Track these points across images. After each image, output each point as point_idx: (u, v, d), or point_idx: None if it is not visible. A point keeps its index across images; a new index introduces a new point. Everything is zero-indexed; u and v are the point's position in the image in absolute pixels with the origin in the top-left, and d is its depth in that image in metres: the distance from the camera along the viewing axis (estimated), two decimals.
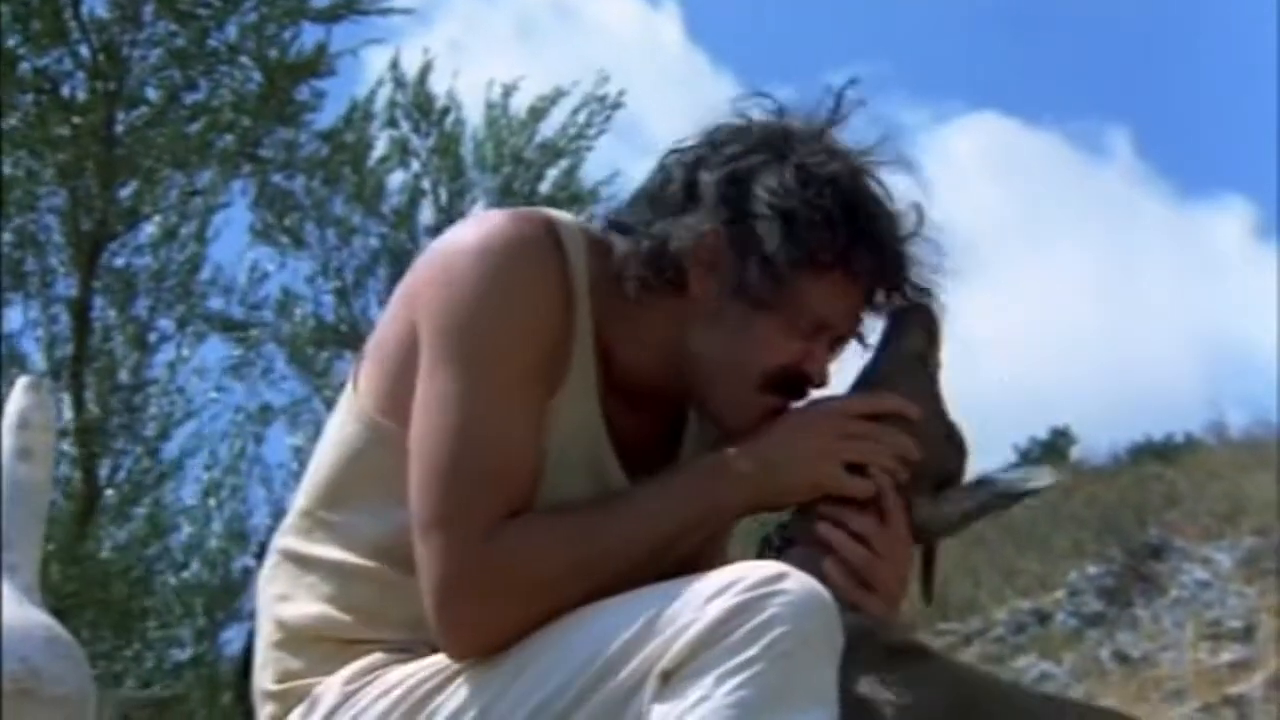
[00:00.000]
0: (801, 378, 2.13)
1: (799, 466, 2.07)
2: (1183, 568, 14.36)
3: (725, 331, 2.11)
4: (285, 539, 2.21)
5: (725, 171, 2.10)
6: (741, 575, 1.89)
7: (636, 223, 2.14)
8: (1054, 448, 23.08)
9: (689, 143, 2.16)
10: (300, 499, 2.22)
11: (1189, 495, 16.26)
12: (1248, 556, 14.13)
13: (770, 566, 1.90)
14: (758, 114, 2.16)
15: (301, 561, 2.17)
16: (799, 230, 2.06)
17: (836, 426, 2.08)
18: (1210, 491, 16.02)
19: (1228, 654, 12.58)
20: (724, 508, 2.07)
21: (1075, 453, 22.58)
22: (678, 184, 2.12)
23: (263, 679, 2.20)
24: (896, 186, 2.14)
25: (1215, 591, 13.78)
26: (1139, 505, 16.00)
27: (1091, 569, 14.96)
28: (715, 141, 2.14)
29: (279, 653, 2.18)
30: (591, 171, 12.38)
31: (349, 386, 2.19)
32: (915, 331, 2.14)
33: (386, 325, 2.15)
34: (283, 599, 2.18)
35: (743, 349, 2.11)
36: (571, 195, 11.76)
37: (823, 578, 1.98)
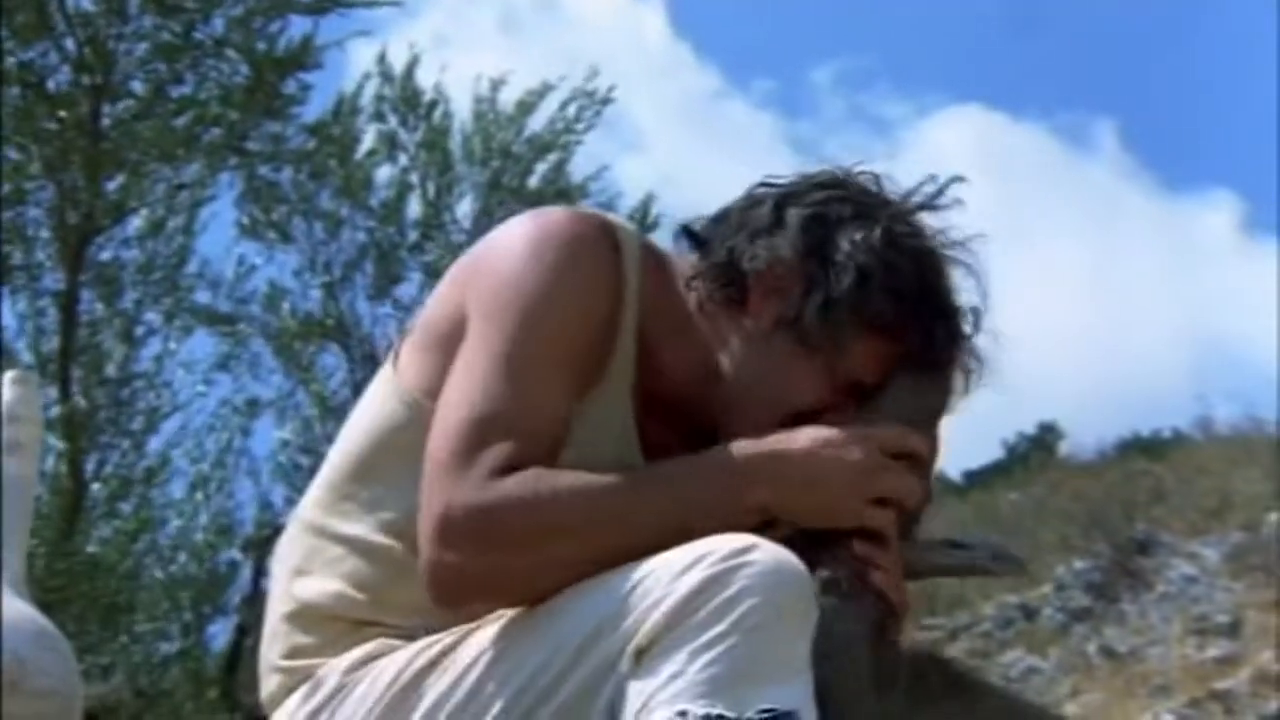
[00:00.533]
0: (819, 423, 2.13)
1: (829, 491, 2.05)
2: (1170, 563, 14.39)
3: (766, 359, 2.13)
4: (308, 511, 2.22)
5: (814, 210, 2.14)
6: (712, 548, 1.89)
7: (715, 237, 2.17)
8: (1041, 443, 23.15)
9: (783, 178, 2.19)
10: (327, 472, 2.23)
11: (1176, 491, 16.29)
12: (1234, 552, 14.17)
13: (740, 538, 1.90)
14: (857, 175, 2.19)
15: (322, 534, 2.18)
16: (870, 288, 2.09)
17: (872, 459, 2.06)
18: (1197, 487, 16.06)
19: (1214, 649, 12.61)
20: (743, 504, 2.03)
21: (1062, 448, 22.62)
22: (765, 210, 2.15)
23: (271, 652, 2.21)
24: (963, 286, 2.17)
25: (1202, 587, 13.81)
26: (1126, 501, 16.02)
27: (1078, 564, 14.99)
28: (810, 183, 2.17)
29: (290, 627, 2.18)
30: (580, 166, 12.39)
31: (389, 365, 2.20)
32: (942, 389, 2.15)
33: (436, 307, 2.16)
34: (300, 573, 2.19)
35: (779, 382, 2.13)
36: (559, 190, 11.77)
37: (882, 626, 2.05)
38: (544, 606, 1.98)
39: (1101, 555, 14.76)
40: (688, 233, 2.21)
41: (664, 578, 1.88)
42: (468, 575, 1.98)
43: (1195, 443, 18.88)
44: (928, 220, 2.16)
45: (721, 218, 2.20)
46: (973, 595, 15.36)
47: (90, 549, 9.86)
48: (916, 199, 2.17)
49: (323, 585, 2.16)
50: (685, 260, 2.19)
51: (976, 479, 22.44)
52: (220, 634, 11.03)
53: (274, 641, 2.21)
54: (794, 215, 2.14)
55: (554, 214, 2.13)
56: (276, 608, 2.22)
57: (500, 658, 1.98)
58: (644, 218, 11.94)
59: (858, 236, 2.11)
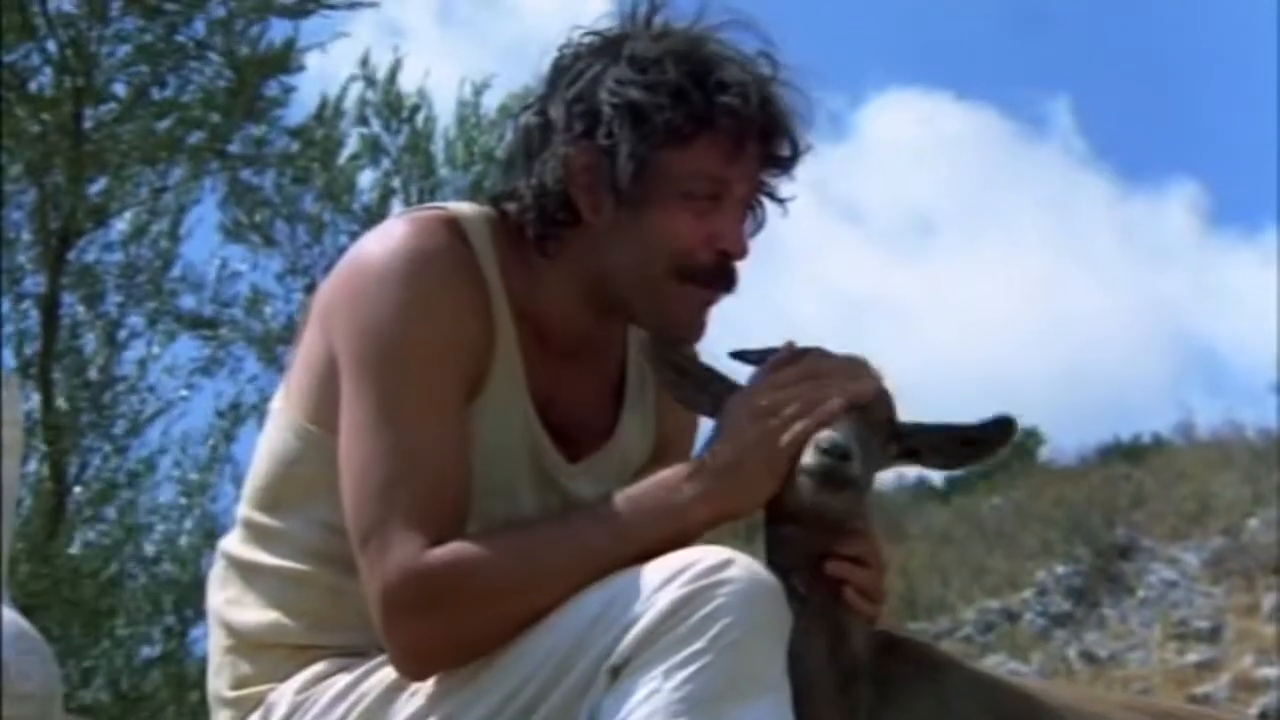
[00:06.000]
0: (721, 256, 2.14)
1: (753, 471, 2.03)
2: (1150, 568, 14.43)
3: (627, 238, 2.13)
4: (230, 545, 2.24)
5: (569, 94, 2.14)
6: (687, 564, 1.89)
7: (515, 184, 2.18)
8: (1022, 448, 23.17)
9: (533, 96, 2.22)
10: (242, 506, 2.25)
11: (1156, 495, 16.32)
12: (1214, 557, 14.20)
13: (716, 553, 1.91)
14: (583, 39, 2.20)
15: (248, 568, 2.19)
16: (648, 113, 2.09)
17: (769, 406, 2.04)
18: (1177, 492, 16.09)
19: (1194, 654, 12.65)
20: (690, 523, 2.03)
21: (1043, 453, 22.65)
22: (534, 129, 2.16)
23: (218, 684, 2.21)
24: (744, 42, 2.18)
25: (1182, 591, 13.84)
26: (1107, 505, 16.04)
27: (1059, 569, 15.02)
28: (554, 78, 2.18)
29: (233, 658, 2.19)
30: None
31: (280, 398, 2.22)
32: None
33: (306, 341, 2.18)
34: (233, 604, 2.20)
35: (647, 246, 2.13)
36: None
37: (847, 618, 2.07)
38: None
39: (1082, 560, 14.79)
40: (493, 199, 2.21)
41: (640, 594, 1.89)
42: (430, 647, 1.98)
43: (1175, 448, 18.92)
44: (666, 21, 2.17)
45: (508, 164, 2.23)
46: (954, 599, 15.37)
47: (72, 553, 9.83)
48: (643, 12, 2.18)
49: (258, 615, 2.17)
50: (515, 208, 2.20)
51: (958, 484, 22.46)
52: (202, 638, 10.97)
53: (219, 674, 2.22)
54: (556, 111, 2.15)
55: (396, 234, 2.12)
56: (217, 641, 2.23)
57: (476, 677, 1.98)
58: None
59: (611, 83, 2.12)
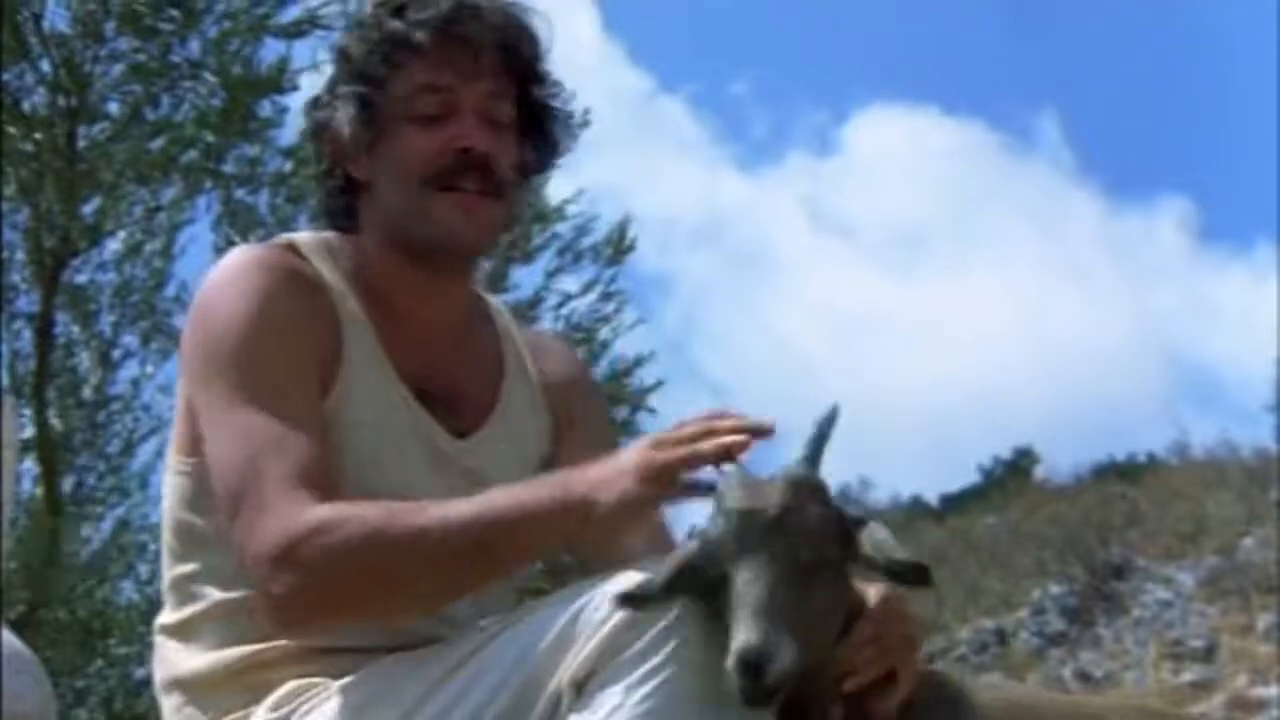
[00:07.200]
0: (461, 154, 2.20)
1: (615, 474, 1.94)
2: (1145, 587, 14.42)
3: (387, 179, 2.25)
4: (163, 618, 2.27)
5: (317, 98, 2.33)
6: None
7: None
8: (1017, 467, 23.20)
9: None
10: (163, 577, 2.28)
11: (1151, 514, 16.32)
12: (1209, 576, 14.20)
13: None
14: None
15: (185, 626, 2.21)
16: (358, 53, 2.24)
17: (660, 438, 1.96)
18: (1173, 511, 16.09)
19: (1189, 674, 12.64)
20: (538, 510, 1.96)
21: (1038, 472, 22.67)
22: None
23: None
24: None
25: (1177, 611, 13.84)
26: (1102, 524, 16.04)
27: (1054, 588, 15.01)
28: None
29: (190, 711, 2.19)
30: (556, 190, 12.39)
31: (168, 465, 2.26)
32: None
33: (179, 398, 2.24)
34: (175, 664, 2.21)
35: (397, 176, 2.23)
36: (536, 213, 11.77)
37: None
38: (485, 636, 1.98)
39: (1077, 579, 14.78)
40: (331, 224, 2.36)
41: (600, 608, 1.88)
42: (311, 593, 1.98)
43: (1170, 466, 18.93)
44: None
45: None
46: (948, 619, 15.36)
47: (65, 571, 9.83)
48: None
49: (207, 657, 2.18)
50: (351, 237, 2.32)
51: (953, 504, 22.49)
52: None
53: None
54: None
55: (229, 256, 2.23)
56: (169, 707, 2.23)
57: (447, 681, 1.98)
58: (620, 240, 11.92)
59: (336, 48, 2.31)
